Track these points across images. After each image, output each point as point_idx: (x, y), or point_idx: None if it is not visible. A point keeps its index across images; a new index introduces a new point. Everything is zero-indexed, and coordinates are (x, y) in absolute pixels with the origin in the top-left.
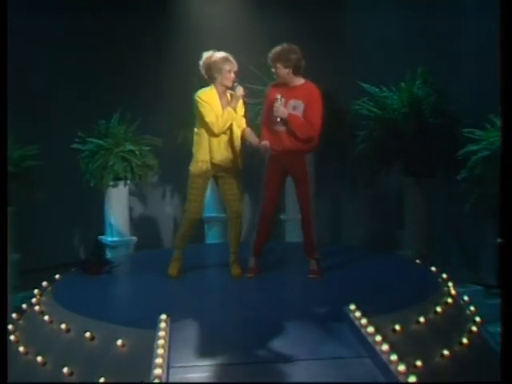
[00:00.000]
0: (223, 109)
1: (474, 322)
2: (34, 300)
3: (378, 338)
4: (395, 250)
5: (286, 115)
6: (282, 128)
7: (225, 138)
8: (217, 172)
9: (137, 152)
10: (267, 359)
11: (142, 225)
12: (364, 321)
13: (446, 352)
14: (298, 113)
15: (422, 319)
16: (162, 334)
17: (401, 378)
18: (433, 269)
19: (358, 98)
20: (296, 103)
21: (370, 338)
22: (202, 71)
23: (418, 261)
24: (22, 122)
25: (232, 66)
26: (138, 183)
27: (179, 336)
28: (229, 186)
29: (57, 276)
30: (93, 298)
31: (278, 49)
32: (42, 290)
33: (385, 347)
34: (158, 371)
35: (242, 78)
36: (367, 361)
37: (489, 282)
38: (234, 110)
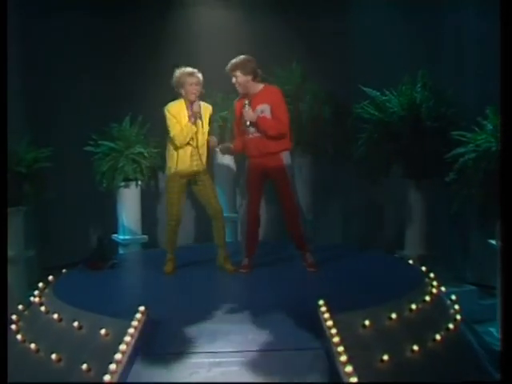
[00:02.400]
0: (185, 122)
1: (455, 320)
2: (36, 292)
3: (334, 331)
4: (396, 251)
5: (254, 118)
6: (254, 134)
7: (190, 148)
8: (188, 177)
9: (146, 154)
10: (229, 349)
11: (154, 224)
12: (326, 315)
13: (415, 347)
14: (267, 115)
15: (394, 316)
16: (134, 323)
17: (341, 368)
18: (423, 268)
19: (360, 101)
20: (263, 107)
21: (327, 332)
22: (173, 86)
23: (411, 261)
24: (37, 125)
25: (194, 80)
26: (148, 184)
27: (156, 327)
28: (202, 188)
29: (63, 271)
30: (87, 291)
31: (235, 59)
32: (47, 284)
33: (336, 340)
34: (118, 356)
35: None
36: (321, 352)
37: (483, 283)
38: (194, 124)
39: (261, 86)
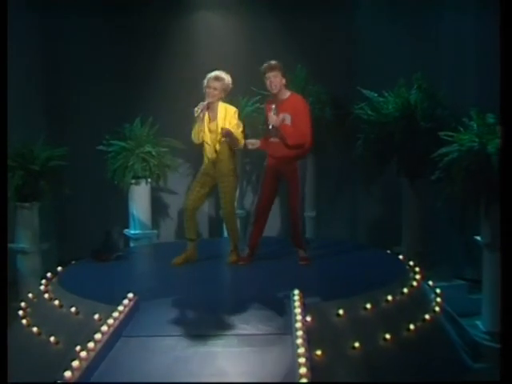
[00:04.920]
0: (210, 122)
1: (434, 312)
2: (43, 282)
3: (299, 317)
4: (393, 246)
5: (277, 124)
6: (275, 139)
7: (207, 146)
8: (215, 173)
9: (153, 153)
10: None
11: (163, 219)
12: (297, 303)
13: (387, 336)
14: (288, 123)
15: (368, 306)
16: (120, 308)
17: (294, 348)
18: (410, 263)
19: (361, 102)
20: (284, 116)
21: (293, 318)
22: None
23: (401, 256)
24: (54, 125)
25: (211, 84)
26: (158, 181)
27: (142, 312)
28: (222, 187)
29: (72, 262)
30: (90, 280)
31: (272, 61)
32: (56, 274)
33: (298, 325)
34: (97, 336)
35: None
36: (288, 337)
37: (476, 278)
38: (213, 119)
39: (288, 94)
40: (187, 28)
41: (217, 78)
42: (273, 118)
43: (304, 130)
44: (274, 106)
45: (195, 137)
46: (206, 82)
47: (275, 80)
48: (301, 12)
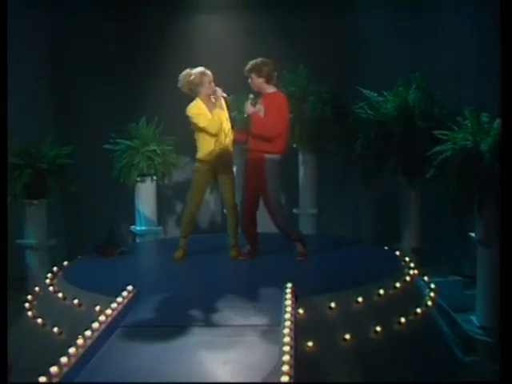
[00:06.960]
0: (211, 112)
1: (426, 306)
2: (49, 275)
3: (289, 309)
4: (392, 243)
5: (249, 112)
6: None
7: (216, 140)
8: (215, 170)
9: (158, 151)
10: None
11: (169, 216)
12: (288, 296)
13: (378, 328)
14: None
15: (360, 299)
16: (119, 299)
17: (281, 337)
18: (406, 259)
19: (361, 102)
20: (260, 107)
21: (283, 309)
22: (184, 89)
23: (397, 252)
24: (62, 124)
25: (208, 79)
26: (163, 179)
27: (142, 305)
28: (224, 182)
29: (79, 257)
30: (94, 274)
31: (253, 61)
32: (61, 269)
33: (287, 316)
34: (95, 325)
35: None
36: (277, 328)
37: (470, 274)
38: (221, 107)
39: (272, 90)
40: (191, 28)
41: (206, 73)
42: (247, 107)
43: (269, 122)
44: (252, 96)
45: (217, 125)
46: (199, 78)
47: (252, 81)
48: (302, 12)
